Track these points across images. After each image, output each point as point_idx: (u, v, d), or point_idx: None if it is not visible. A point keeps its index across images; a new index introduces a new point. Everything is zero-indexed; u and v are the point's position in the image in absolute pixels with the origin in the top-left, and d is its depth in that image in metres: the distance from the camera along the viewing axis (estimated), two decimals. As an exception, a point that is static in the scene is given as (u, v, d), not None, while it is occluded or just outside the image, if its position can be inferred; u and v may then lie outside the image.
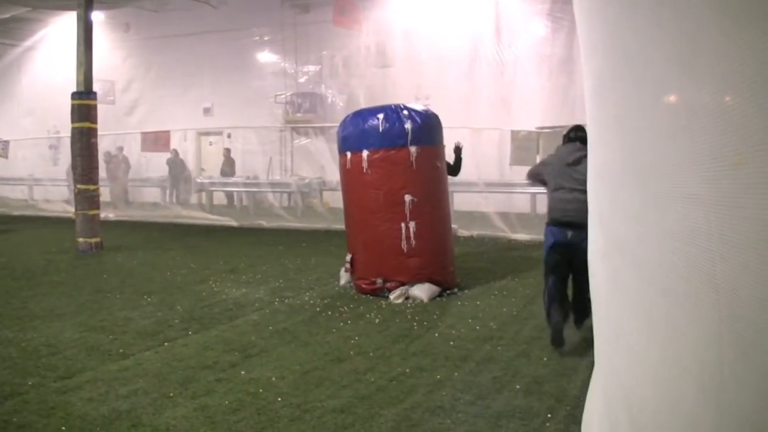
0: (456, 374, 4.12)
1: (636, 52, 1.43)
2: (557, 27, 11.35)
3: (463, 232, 10.50)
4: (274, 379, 4.03)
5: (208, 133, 16.49)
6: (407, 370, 4.18)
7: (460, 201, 11.21)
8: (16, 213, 15.45)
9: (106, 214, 12.83)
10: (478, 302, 6.05)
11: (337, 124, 7.00)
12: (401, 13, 13.29)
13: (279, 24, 15.45)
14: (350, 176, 6.45)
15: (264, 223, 12.62)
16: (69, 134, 9.88)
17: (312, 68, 15.56)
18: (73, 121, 9.41)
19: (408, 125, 6.12)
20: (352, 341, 4.84)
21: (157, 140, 14.84)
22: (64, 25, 14.02)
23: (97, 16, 12.59)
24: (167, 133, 14.91)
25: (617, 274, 1.77)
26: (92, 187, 9.48)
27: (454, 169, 6.92)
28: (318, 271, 7.73)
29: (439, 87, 12.67)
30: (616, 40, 1.57)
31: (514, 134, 10.85)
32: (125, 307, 5.92)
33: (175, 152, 15.09)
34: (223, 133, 15.80)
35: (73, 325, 5.31)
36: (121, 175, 15.27)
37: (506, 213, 10.90)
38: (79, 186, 9.44)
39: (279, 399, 3.70)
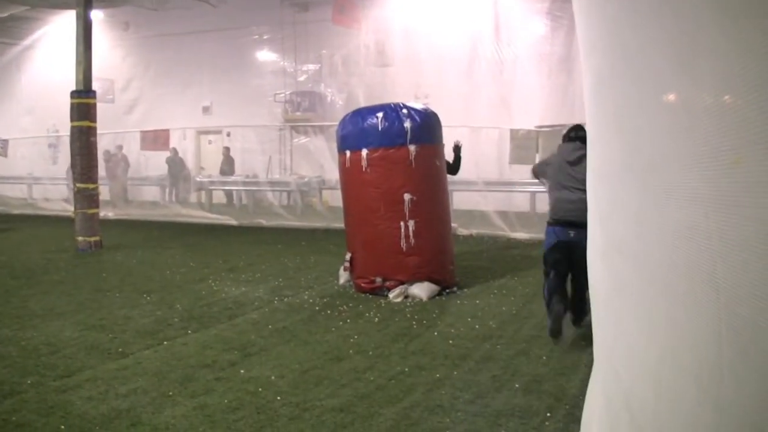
0: (455, 373, 4.12)
1: (635, 50, 1.43)
2: (556, 25, 11.36)
3: (462, 231, 10.50)
4: (273, 377, 4.03)
5: (207, 132, 16.49)
6: (406, 369, 4.18)
7: (460, 200, 11.22)
8: (15, 212, 15.44)
9: (106, 212, 12.83)
10: (478, 301, 6.05)
11: (337, 123, 7.01)
12: (400, 12, 13.31)
13: (278, 23, 15.45)
14: (349, 175, 6.44)
15: (263, 222, 12.62)
16: (68, 133, 9.88)
17: (311, 67, 15.56)
18: (72, 120, 9.40)
19: (407, 124, 6.12)
20: (352, 340, 4.84)
21: (156, 139, 14.84)
22: (63, 24, 14.05)
23: (97, 15, 12.58)
24: (166, 131, 14.91)
25: (616, 273, 1.76)
26: (91, 185, 9.48)
27: (454, 167, 6.92)
28: (317, 269, 7.72)
29: (439, 86, 12.69)
30: (615, 38, 1.57)
31: (514, 133, 10.86)
32: (125, 306, 5.92)
33: (175, 151, 15.09)
34: (223, 132, 15.79)
35: (73, 323, 5.30)
36: (121, 174, 15.26)
37: (505, 212, 10.91)
38: (78, 185, 9.43)
39: (278, 398, 3.70)
